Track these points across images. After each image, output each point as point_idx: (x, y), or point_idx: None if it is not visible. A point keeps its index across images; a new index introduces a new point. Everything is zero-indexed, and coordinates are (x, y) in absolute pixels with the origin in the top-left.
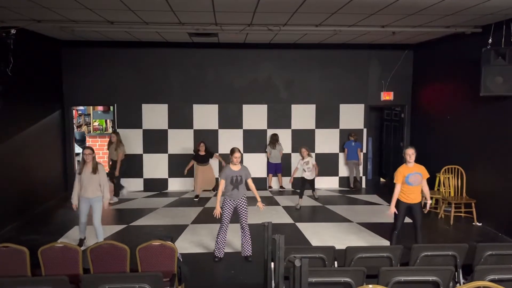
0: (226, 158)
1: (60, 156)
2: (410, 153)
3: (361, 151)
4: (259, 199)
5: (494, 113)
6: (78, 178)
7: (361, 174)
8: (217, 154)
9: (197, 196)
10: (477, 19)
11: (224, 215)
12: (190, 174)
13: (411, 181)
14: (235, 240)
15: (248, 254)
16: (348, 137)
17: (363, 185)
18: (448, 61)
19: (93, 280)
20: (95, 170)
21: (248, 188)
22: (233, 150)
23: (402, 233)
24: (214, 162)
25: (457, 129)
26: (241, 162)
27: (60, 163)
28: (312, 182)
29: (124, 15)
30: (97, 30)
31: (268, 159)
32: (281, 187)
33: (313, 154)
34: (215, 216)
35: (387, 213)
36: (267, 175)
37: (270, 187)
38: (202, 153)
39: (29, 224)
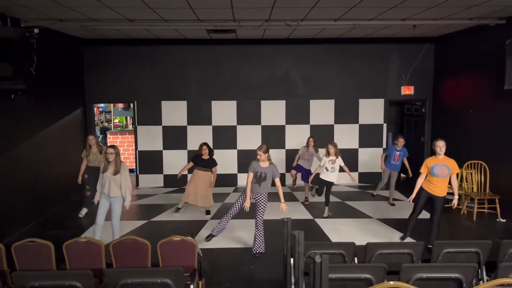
0: (251, 155)
1: (81, 152)
2: (441, 145)
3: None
4: (283, 201)
5: None
6: (101, 177)
7: (394, 196)
8: (216, 168)
9: (177, 209)
10: (500, 11)
11: (237, 203)
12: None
13: (437, 172)
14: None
15: (256, 251)
16: (393, 142)
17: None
18: (471, 54)
19: (116, 274)
20: (116, 173)
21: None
22: (259, 147)
23: (418, 230)
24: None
25: (480, 123)
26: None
27: (81, 159)
28: (329, 186)
29: (143, 13)
30: (117, 28)
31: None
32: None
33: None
34: (245, 209)
35: (408, 202)
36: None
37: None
38: (205, 157)
39: (53, 219)
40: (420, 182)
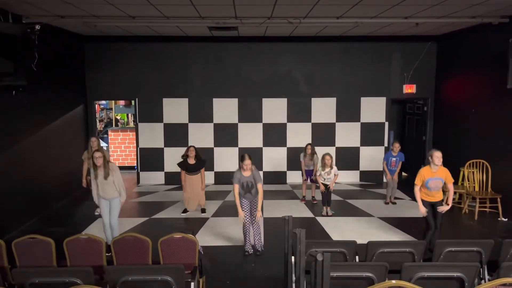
0: (252, 153)
1: (83, 149)
2: (439, 156)
3: (402, 163)
4: (259, 209)
5: None
6: (95, 182)
7: (394, 195)
8: (203, 169)
9: (185, 210)
10: (503, 9)
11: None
12: None
13: (431, 186)
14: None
15: (257, 248)
16: (391, 146)
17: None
18: (474, 52)
19: (117, 272)
20: (107, 176)
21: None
22: (243, 157)
23: (417, 229)
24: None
25: (482, 122)
26: (252, 165)
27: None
28: (328, 188)
29: (145, 10)
30: (119, 25)
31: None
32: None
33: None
34: (240, 221)
35: (419, 213)
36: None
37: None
38: (191, 161)
39: (53, 216)
40: (417, 194)
